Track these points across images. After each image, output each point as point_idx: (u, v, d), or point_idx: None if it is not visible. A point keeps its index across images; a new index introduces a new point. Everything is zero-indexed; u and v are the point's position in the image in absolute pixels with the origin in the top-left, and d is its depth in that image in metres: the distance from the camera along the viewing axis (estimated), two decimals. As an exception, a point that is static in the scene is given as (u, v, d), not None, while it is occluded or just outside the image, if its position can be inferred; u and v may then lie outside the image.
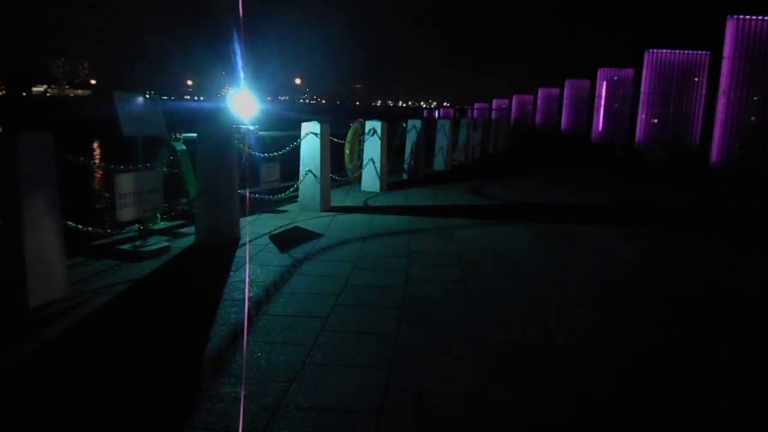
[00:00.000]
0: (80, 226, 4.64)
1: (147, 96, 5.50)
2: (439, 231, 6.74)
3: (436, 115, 72.12)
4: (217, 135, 5.96)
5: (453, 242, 6.19)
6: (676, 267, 5.77)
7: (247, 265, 5.18)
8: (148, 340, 3.50)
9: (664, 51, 19.99)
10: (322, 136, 7.90)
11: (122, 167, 5.00)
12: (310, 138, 7.80)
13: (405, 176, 12.32)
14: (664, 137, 20.05)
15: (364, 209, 8.15)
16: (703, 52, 19.75)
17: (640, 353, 3.54)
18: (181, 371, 3.09)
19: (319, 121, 7.97)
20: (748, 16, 13.75)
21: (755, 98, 14.25)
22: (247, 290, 4.48)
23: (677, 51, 19.85)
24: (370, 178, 10.02)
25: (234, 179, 6.09)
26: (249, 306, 4.13)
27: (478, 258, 5.64)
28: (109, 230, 5.18)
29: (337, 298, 4.34)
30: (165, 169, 6.62)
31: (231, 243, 5.94)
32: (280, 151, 7.59)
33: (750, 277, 5.53)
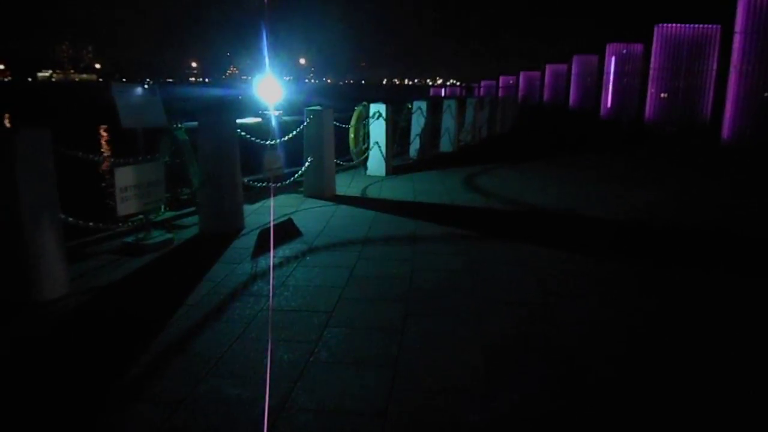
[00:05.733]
0: (80, 222, 4.60)
1: (146, 86, 5.40)
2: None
3: (443, 93, 71.57)
4: (218, 124, 5.87)
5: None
6: None
7: (251, 257, 5.12)
8: (146, 340, 3.45)
9: (673, 25, 19.61)
10: (326, 121, 7.79)
11: (122, 160, 4.93)
12: (314, 123, 7.70)
13: (411, 158, 12.20)
14: (675, 113, 19.76)
15: (368, 200, 7.89)
16: (714, 26, 19.37)
17: None
18: (183, 372, 3.05)
19: (322, 105, 7.88)
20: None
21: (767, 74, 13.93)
22: (250, 284, 4.43)
23: (687, 25, 19.47)
24: (376, 162, 9.91)
25: (236, 169, 6.02)
26: (252, 301, 4.08)
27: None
28: (111, 225, 5.13)
29: (342, 291, 4.28)
30: (167, 158, 6.57)
31: (235, 233, 5.89)
32: (281, 138, 7.47)
33: None
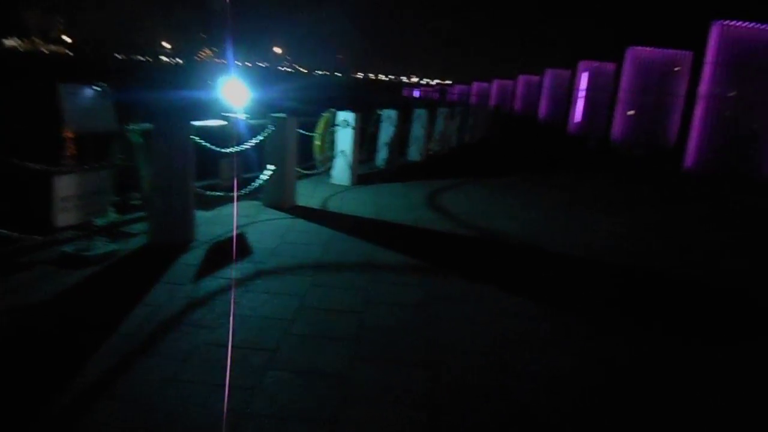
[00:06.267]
0: (14, 234, 4.30)
1: (98, 88, 5.09)
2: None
3: (416, 94, 71.60)
4: (172, 130, 5.59)
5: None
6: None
7: (196, 278, 4.87)
8: (67, 379, 3.19)
9: (645, 48, 19.80)
10: (289, 129, 7.55)
11: (62, 168, 4.62)
12: (277, 131, 7.44)
13: (378, 167, 12.02)
14: (641, 136, 19.97)
15: (328, 214, 7.62)
16: (686, 52, 19.62)
17: None
18: (101, 426, 2.81)
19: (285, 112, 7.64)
20: (732, 22, 13.59)
21: (733, 106, 14.14)
22: (191, 311, 4.19)
23: (659, 49, 19.68)
24: (341, 171, 9.71)
25: (189, 178, 5.74)
26: (192, 333, 3.84)
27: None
28: (48, 237, 4.83)
29: (290, 325, 4.08)
30: (119, 161, 6.26)
31: (184, 246, 5.62)
32: (244, 143, 7.19)
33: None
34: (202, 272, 4.99)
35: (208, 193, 6.51)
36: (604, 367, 3.87)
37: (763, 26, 13.60)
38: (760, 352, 4.40)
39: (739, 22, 13.66)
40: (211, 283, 4.74)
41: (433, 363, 3.70)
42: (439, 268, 5.65)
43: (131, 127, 6.15)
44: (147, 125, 6.12)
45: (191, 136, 5.74)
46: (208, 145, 6.26)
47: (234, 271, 5.05)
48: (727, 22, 13.66)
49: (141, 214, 6.45)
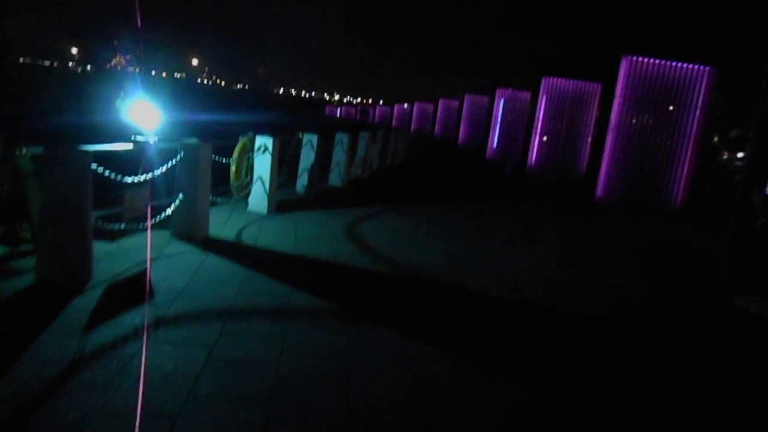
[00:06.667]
0: None
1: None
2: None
3: (338, 113, 71.55)
4: (67, 155, 5.05)
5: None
6: None
7: (90, 327, 4.35)
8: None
9: (559, 79, 20.55)
10: (202, 156, 7.10)
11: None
12: (188, 158, 6.97)
13: (298, 193, 11.66)
14: (555, 163, 20.63)
15: (243, 248, 7.12)
16: (595, 84, 20.50)
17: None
18: None
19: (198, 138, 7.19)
20: (641, 58, 14.25)
21: (639, 138, 14.78)
22: (83, 369, 3.70)
23: (571, 80, 20.46)
24: (258, 199, 9.27)
25: (86, 209, 5.20)
26: (81, 398, 3.36)
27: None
28: None
29: (195, 383, 3.68)
30: (6, 187, 5.65)
31: (78, 287, 5.05)
32: (152, 170, 6.67)
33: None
34: (97, 319, 4.47)
35: (108, 225, 5.97)
36: (532, 422, 3.72)
37: (669, 62, 14.33)
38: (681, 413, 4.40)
39: (647, 58, 14.34)
40: (107, 333, 4.24)
41: (355, 425, 3.41)
42: (360, 312, 5.35)
43: (21, 151, 5.56)
44: (39, 149, 5.54)
45: (90, 163, 5.22)
46: (109, 172, 5.73)
47: (135, 318, 4.56)
48: (635, 57, 14.31)
49: (31, 246, 5.81)
